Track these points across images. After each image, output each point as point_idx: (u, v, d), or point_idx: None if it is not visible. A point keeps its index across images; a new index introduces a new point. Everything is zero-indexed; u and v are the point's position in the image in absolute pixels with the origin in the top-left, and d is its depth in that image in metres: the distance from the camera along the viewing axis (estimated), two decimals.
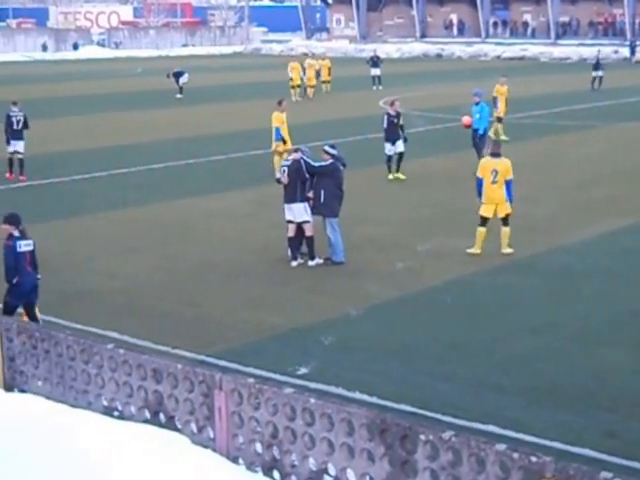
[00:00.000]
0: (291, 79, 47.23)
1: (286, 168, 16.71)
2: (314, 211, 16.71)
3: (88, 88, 54.62)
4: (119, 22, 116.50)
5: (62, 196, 23.52)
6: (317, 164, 16.70)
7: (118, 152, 30.47)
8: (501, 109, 31.42)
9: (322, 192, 16.54)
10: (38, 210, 21.18)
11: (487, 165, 17.50)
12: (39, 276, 12.52)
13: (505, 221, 17.37)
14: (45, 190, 24.28)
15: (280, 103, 24.93)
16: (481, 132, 25.06)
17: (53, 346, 9.44)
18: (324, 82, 50.60)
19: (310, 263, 16.65)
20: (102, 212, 21.41)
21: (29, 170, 26.30)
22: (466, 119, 25.35)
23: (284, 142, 24.33)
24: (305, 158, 16.78)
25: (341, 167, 16.89)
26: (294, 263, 16.66)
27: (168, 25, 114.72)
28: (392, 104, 24.75)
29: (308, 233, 16.65)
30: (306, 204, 16.60)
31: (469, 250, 17.35)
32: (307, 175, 16.63)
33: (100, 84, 58.04)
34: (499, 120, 31.46)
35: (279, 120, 24.58)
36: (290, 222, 16.66)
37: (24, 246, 12.24)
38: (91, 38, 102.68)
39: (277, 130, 24.49)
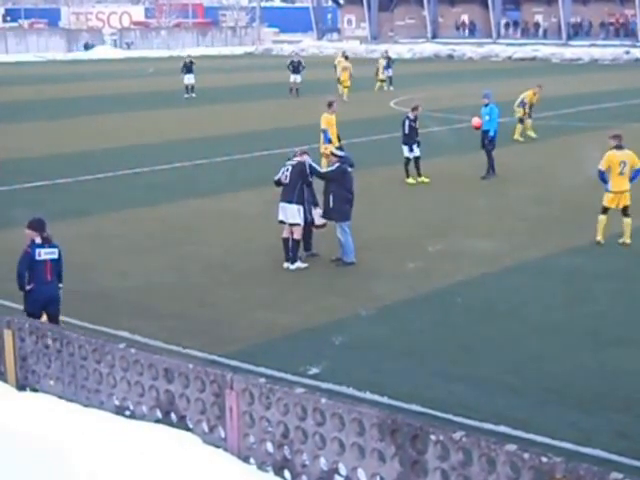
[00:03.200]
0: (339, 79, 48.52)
1: (290, 167, 16.70)
2: (324, 215, 16.72)
3: (100, 88, 54.80)
4: (131, 22, 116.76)
5: (74, 196, 23.61)
6: (324, 170, 16.77)
7: (129, 152, 30.57)
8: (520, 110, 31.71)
9: (331, 196, 16.55)
10: (50, 210, 21.20)
11: (614, 158, 18.15)
12: (61, 285, 12.22)
13: (625, 212, 18.13)
14: (57, 190, 24.36)
15: (330, 105, 24.77)
16: (492, 134, 24.82)
17: (65, 346, 9.46)
18: (381, 81, 52.19)
19: (291, 267, 16.60)
20: (114, 212, 21.49)
21: (41, 170, 26.50)
22: (476, 120, 25.15)
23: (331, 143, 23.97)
24: (313, 164, 16.80)
25: (349, 169, 16.85)
26: (286, 265, 16.66)
27: (179, 25, 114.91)
28: (415, 109, 24.60)
29: (296, 236, 16.61)
30: (300, 207, 16.55)
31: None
32: (310, 179, 16.62)
33: (111, 84, 58.22)
34: (522, 121, 31.88)
35: (328, 122, 24.44)
36: (282, 222, 16.70)
37: (44, 254, 11.88)
38: (103, 38, 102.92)
39: (325, 132, 24.34)
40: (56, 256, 12.06)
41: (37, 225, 12.10)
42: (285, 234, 16.69)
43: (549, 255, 17.56)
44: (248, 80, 61.16)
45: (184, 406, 8.60)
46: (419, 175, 24.57)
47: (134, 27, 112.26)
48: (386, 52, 55.34)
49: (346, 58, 49.98)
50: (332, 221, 16.79)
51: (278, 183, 16.84)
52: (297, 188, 16.53)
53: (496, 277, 16.27)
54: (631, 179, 18.02)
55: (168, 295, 15.34)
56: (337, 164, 16.71)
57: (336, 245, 16.87)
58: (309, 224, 16.94)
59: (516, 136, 31.74)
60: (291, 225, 16.57)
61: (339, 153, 16.99)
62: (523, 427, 10.18)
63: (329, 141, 23.98)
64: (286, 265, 16.65)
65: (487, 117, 24.87)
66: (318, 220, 16.96)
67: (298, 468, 7.88)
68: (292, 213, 16.53)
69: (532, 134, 32.22)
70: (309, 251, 17.25)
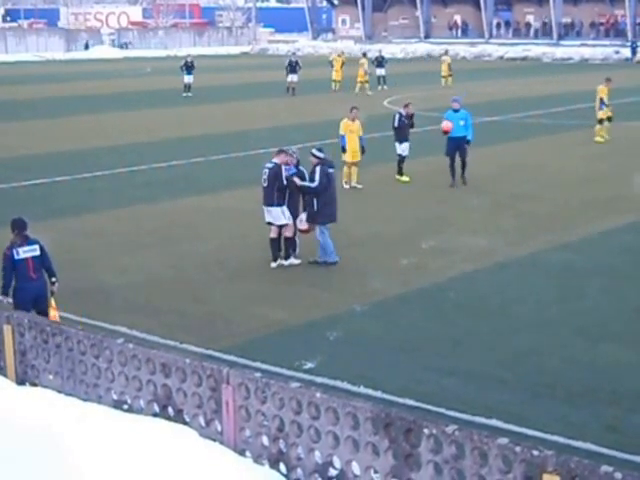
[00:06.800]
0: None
1: (267, 170, 16.56)
2: (309, 219, 16.58)
3: (98, 88, 54.79)
4: (128, 23, 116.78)
5: (73, 193, 23.69)
6: (314, 185, 16.34)
7: (127, 150, 30.61)
8: (606, 110, 31.11)
9: (315, 201, 16.41)
10: (49, 207, 21.41)
11: None
12: (54, 279, 12.24)
13: None
14: (56, 188, 24.45)
15: (351, 110, 23.65)
16: (470, 139, 23.88)
17: (64, 341, 9.52)
18: (449, 75, 54.91)
19: (285, 263, 16.61)
20: (112, 209, 21.55)
21: (41, 168, 26.59)
22: (446, 124, 23.87)
23: (343, 151, 23.29)
24: (303, 183, 16.38)
25: (330, 170, 16.67)
26: (274, 264, 16.62)
27: (177, 26, 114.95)
28: (406, 106, 24.62)
29: (288, 234, 16.58)
30: (284, 208, 16.45)
31: None
32: (285, 182, 16.36)
33: (110, 83, 58.26)
34: (601, 122, 31.23)
35: (346, 128, 23.42)
36: (270, 224, 16.65)
37: (24, 252, 11.90)
38: (101, 38, 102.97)
39: (342, 138, 23.50)
40: (37, 253, 12.03)
41: (15, 225, 12.14)
42: (273, 234, 16.65)
43: (540, 251, 17.66)
44: (244, 79, 61.17)
45: (181, 400, 8.65)
46: (400, 174, 24.64)
47: (132, 27, 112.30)
48: (445, 52, 59.36)
49: (364, 55, 53.23)
50: (316, 224, 16.64)
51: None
52: (275, 190, 16.40)
53: (488, 273, 16.38)
54: None
55: (166, 291, 15.43)
56: (318, 167, 16.47)
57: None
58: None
59: (597, 138, 31.21)
60: (280, 227, 16.54)
61: (319, 154, 16.71)
62: (515, 421, 10.27)
63: (343, 148, 23.33)
64: (274, 265, 16.60)
65: (462, 122, 23.81)
66: (301, 225, 16.73)
67: (293, 461, 7.94)
68: (277, 215, 16.48)
69: (601, 138, 31.33)
70: (279, 250, 17.14)
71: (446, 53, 59.03)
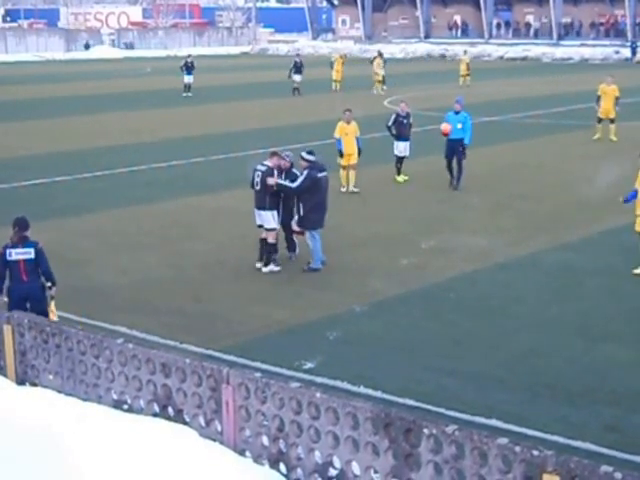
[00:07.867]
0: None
1: (260, 173, 16.41)
2: (297, 223, 16.43)
3: (98, 88, 54.81)
4: (128, 23, 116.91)
5: (73, 193, 23.69)
6: (294, 185, 16.03)
7: (128, 150, 30.63)
8: (603, 108, 31.30)
9: (302, 205, 16.22)
10: (50, 207, 21.41)
11: None
12: (49, 284, 12.00)
13: None
14: (56, 188, 24.45)
15: (344, 113, 23.21)
16: (467, 142, 23.57)
17: (64, 341, 9.53)
18: (463, 76, 55.09)
19: (264, 269, 16.46)
20: (112, 209, 21.57)
21: (41, 168, 26.56)
22: (445, 127, 23.56)
23: (340, 155, 23.06)
24: (281, 182, 16.16)
25: (319, 174, 16.26)
26: (258, 265, 16.57)
27: (177, 26, 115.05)
28: (401, 102, 24.72)
29: (270, 240, 16.41)
30: (274, 212, 16.34)
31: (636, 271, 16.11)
32: (274, 188, 16.20)
33: (110, 84, 58.29)
34: (600, 121, 31.40)
35: (341, 130, 23.10)
36: (260, 227, 16.60)
37: (16, 254, 11.74)
38: (101, 38, 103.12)
39: (338, 142, 23.16)
40: (31, 256, 11.82)
41: (15, 222, 12.02)
42: (264, 234, 16.57)
43: (540, 251, 17.69)
44: (244, 79, 61.21)
45: (181, 400, 8.66)
46: (397, 174, 24.68)
47: (132, 27, 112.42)
48: (464, 52, 61.48)
49: (380, 55, 52.95)
50: (304, 229, 16.50)
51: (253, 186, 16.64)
52: (267, 193, 16.27)
53: (488, 273, 16.40)
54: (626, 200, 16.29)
55: (165, 291, 15.44)
56: (306, 171, 16.15)
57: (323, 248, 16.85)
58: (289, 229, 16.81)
59: (611, 136, 31.38)
60: (267, 230, 16.44)
61: (309, 157, 16.33)
62: (514, 421, 10.29)
63: (340, 152, 23.08)
64: (259, 265, 16.54)
65: (460, 125, 23.44)
66: (295, 226, 16.61)
67: (293, 461, 7.94)
68: (267, 219, 16.40)
69: (613, 138, 31.46)
70: (293, 251, 17.18)
71: (465, 53, 59.72)
